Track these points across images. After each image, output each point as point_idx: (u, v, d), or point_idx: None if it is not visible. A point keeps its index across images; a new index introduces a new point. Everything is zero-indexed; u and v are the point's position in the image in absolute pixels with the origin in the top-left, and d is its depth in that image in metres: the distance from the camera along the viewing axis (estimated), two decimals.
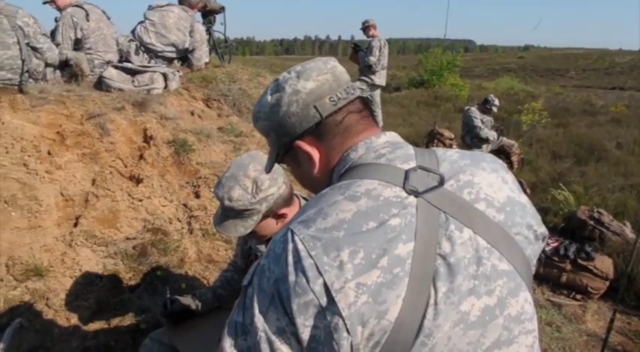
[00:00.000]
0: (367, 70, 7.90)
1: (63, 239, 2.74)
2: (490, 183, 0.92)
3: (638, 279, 4.10)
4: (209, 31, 5.52)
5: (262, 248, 1.83)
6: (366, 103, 1.02)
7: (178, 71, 4.71)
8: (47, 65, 4.07)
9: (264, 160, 1.60)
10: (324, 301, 0.77)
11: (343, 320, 0.76)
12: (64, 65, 4.36)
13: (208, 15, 5.54)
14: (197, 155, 3.61)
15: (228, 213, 1.60)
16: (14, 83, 3.77)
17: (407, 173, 0.88)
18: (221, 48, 5.72)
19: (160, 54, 4.99)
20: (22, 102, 3.61)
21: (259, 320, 0.82)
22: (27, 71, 3.78)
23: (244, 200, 1.54)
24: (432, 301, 0.80)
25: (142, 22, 5.03)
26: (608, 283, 4.08)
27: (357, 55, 8.11)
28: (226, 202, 1.55)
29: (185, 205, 3.21)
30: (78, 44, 4.51)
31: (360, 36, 8.47)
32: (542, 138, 9.88)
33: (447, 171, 0.91)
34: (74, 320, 2.45)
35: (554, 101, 15.47)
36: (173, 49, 5.04)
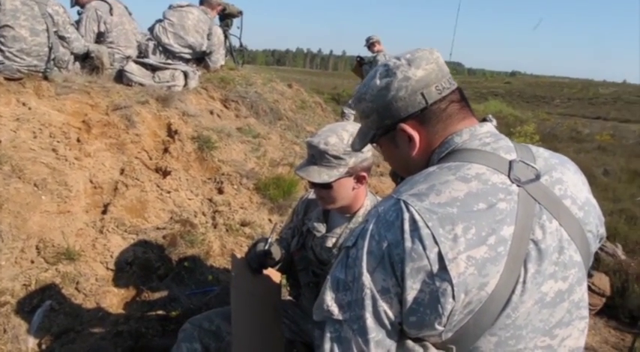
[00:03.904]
0: None
1: (93, 225, 2.76)
2: (574, 183, 1.03)
3: (632, 298, 4.24)
4: (225, 34, 5.59)
5: (321, 227, 1.89)
6: (462, 94, 1.10)
7: (198, 70, 4.77)
8: (71, 55, 4.09)
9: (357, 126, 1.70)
10: (436, 268, 0.86)
11: (452, 287, 0.86)
12: (85, 57, 4.39)
13: (226, 18, 5.61)
14: (219, 152, 3.66)
15: (316, 160, 1.69)
16: (39, 70, 3.78)
17: (511, 163, 0.98)
18: (236, 51, 5.79)
19: (177, 55, 5.01)
20: (47, 89, 3.64)
21: (366, 278, 0.91)
22: (53, 59, 3.80)
23: (339, 146, 1.65)
24: (521, 279, 0.91)
25: (160, 21, 5.05)
26: (604, 300, 4.21)
27: (361, 68, 8.25)
28: (322, 146, 1.65)
29: (210, 200, 3.25)
30: (100, 37, 4.55)
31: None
32: None
33: (542, 166, 1.00)
34: (104, 305, 2.47)
35: (542, 126, 15.84)
36: (190, 50, 5.05)
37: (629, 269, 4.38)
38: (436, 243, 0.86)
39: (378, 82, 1.06)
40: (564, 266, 0.95)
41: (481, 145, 1.01)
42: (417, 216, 0.88)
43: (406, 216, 0.89)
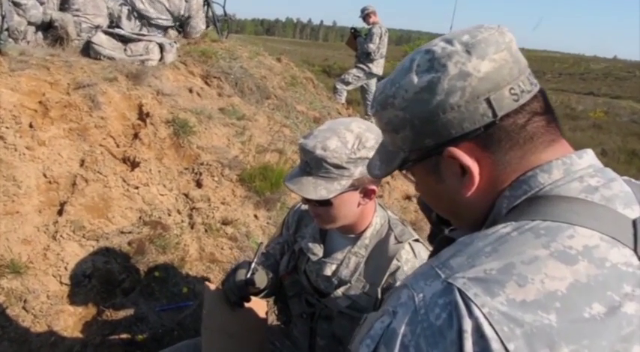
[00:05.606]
0: (365, 57, 7.59)
1: (46, 229, 2.35)
2: None
3: None
4: (207, 2, 5.07)
5: (317, 249, 1.51)
6: (547, 101, 0.69)
7: (175, 42, 4.28)
8: (29, 24, 3.60)
9: (371, 127, 1.31)
10: None
11: None
12: (48, 26, 3.89)
13: None
14: (197, 138, 3.23)
15: (311, 169, 1.29)
16: None
17: (635, 225, 0.59)
18: (220, 21, 5.28)
19: (153, 21, 4.54)
20: None
21: None
22: (7, 29, 3.33)
23: (341, 153, 1.26)
24: None
25: None
26: None
27: (355, 40, 7.78)
28: (318, 151, 1.25)
29: (186, 195, 2.84)
30: (64, 4, 4.04)
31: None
32: None
33: None
34: (57, 327, 2.09)
35: None
36: (168, 16, 4.60)
37: None
38: None
39: (415, 78, 0.65)
40: None
41: (585, 191, 0.62)
42: (486, 329, 0.51)
43: (467, 324, 0.52)
